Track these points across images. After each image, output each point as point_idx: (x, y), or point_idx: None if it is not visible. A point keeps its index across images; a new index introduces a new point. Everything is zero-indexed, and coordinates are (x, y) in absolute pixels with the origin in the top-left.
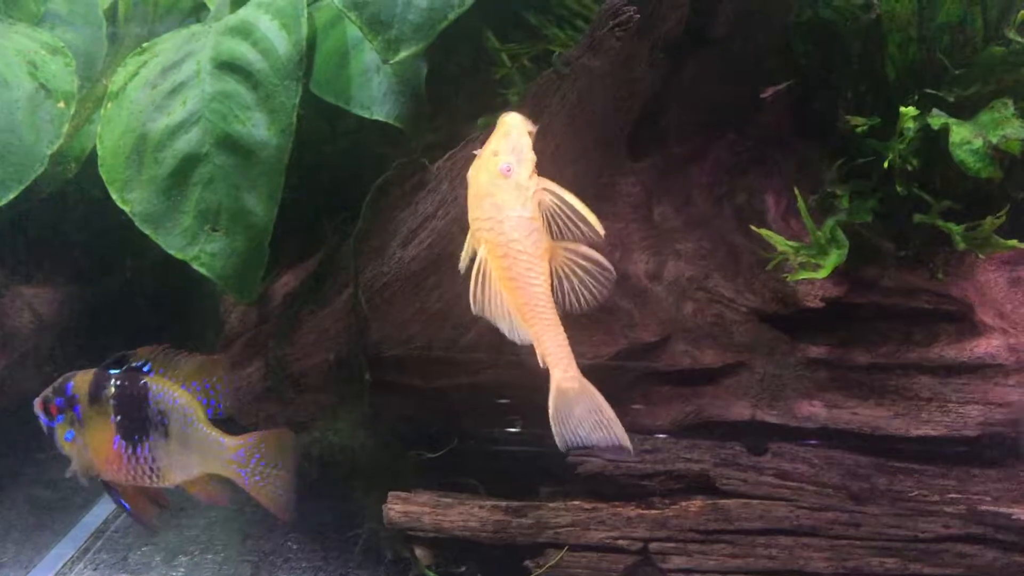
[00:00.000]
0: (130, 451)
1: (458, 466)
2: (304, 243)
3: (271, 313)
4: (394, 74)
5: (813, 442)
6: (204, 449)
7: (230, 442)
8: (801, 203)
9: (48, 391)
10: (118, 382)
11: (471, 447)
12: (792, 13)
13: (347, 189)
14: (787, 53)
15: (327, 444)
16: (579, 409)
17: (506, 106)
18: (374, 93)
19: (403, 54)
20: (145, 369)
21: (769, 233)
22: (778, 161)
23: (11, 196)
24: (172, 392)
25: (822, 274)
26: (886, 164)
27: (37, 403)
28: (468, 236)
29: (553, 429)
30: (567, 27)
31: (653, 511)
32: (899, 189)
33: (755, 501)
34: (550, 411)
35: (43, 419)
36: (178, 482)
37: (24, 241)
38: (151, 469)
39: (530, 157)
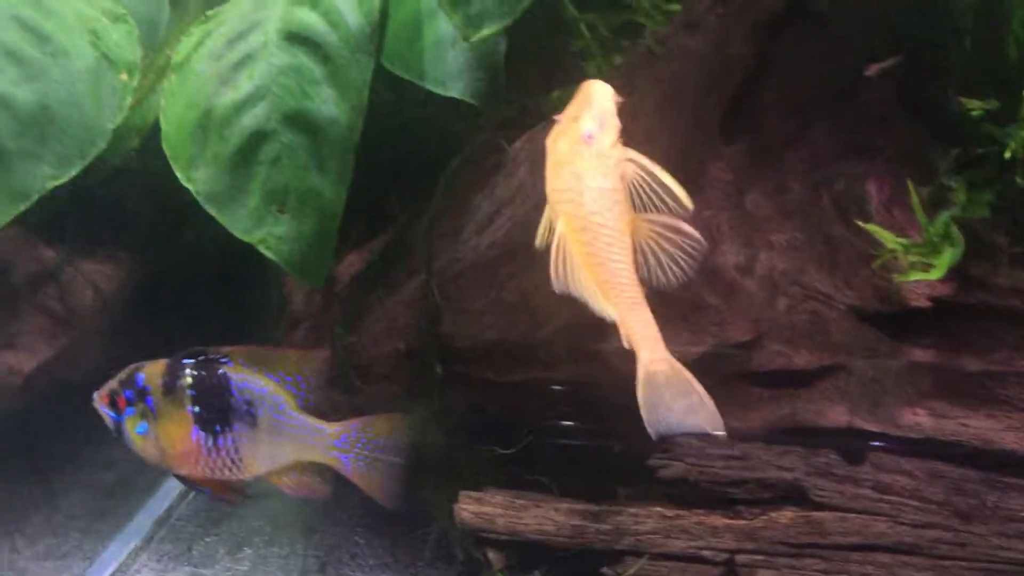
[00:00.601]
0: (210, 443)
1: (530, 463)
2: (370, 221)
3: (337, 297)
4: (471, 48)
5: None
6: (299, 437)
7: (331, 428)
8: (915, 197)
9: (113, 383)
10: (195, 371)
11: (544, 443)
12: None
13: (414, 164)
14: (892, 27)
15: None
16: (670, 393)
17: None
18: (449, 68)
19: (485, 31)
20: (223, 360)
21: (876, 228)
22: (881, 146)
23: (72, 173)
24: (258, 381)
25: (935, 275)
26: (1007, 154)
27: (100, 396)
28: (546, 208)
29: (643, 415)
30: None
31: (740, 521)
32: (1019, 181)
33: (851, 515)
34: (639, 396)
35: (109, 413)
36: (262, 472)
37: (84, 215)
38: (232, 461)
39: (614, 124)
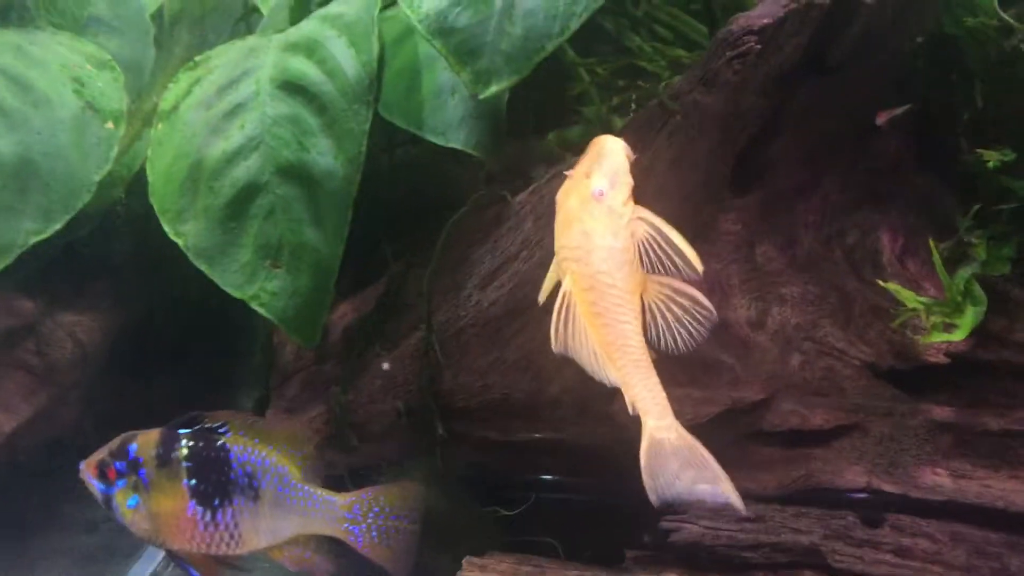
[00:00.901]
0: (207, 517)
1: (535, 524)
2: (362, 269)
3: (330, 350)
4: (471, 97)
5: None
6: (306, 510)
7: (342, 499)
8: (936, 256)
9: (103, 454)
10: (191, 442)
11: (549, 504)
12: (923, 33)
13: (407, 208)
14: (904, 76)
15: None
16: (676, 462)
17: (582, 125)
18: (449, 118)
19: (494, 88)
20: (221, 431)
21: (897, 288)
22: (893, 196)
23: (57, 227)
24: (260, 451)
25: (959, 336)
26: None
27: (88, 467)
28: (552, 265)
29: (645, 483)
30: (646, 34)
31: None
32: None
33: None
34: (642, 463)
35: (97, 485)
36: (262, 547)
37: (64, 265)
38: (231, 536)
39: (626, 181)
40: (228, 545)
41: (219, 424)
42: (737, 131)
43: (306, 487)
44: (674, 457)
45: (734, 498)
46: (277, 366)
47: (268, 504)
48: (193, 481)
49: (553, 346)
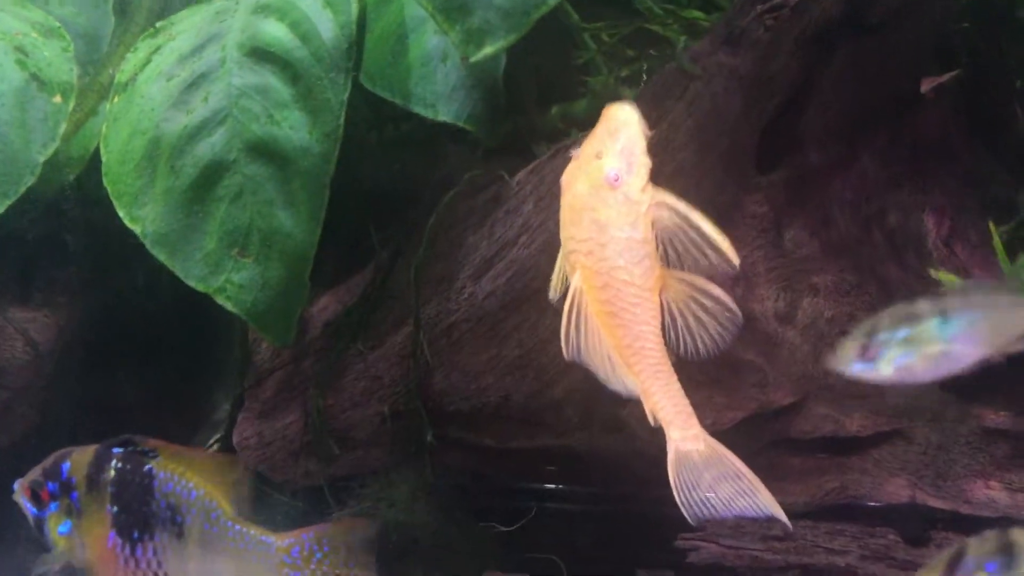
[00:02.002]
0: (127, 551)
1: (536, 540)
2: (344, 256)
3: (309, 347)
4: (464, 64)
5: None
6: (239, 552)
7: (280, 541)
8: (996, 238)
9: (37, 473)
10: (119, 464)
11: (552, 518)
12: None
13: (394, 189)
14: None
15: (379, 513)
16: (709, 475)
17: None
18: (439, 87)
19: (488, 49)
20: (150, 454)
21: (948, 276)
22: (939, 173)
23: None
24: (187, 483)
25: None
26: None
27: (21, 487)
28: (559, 257)
29: (678, 500)
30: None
31: None
32: None
33: None
34: (671, 479)
35: (29, 507)
36: None
37: (14, 257)
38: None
39: (644, 163)
40: None
41: (150, 448)
42: (765, 99)
43: (237, 526)
44: (705, 470)
45: (777, 511)
46: (252, 366)
47: (195, 543)
48: (115, 508)
49: (565, 353)
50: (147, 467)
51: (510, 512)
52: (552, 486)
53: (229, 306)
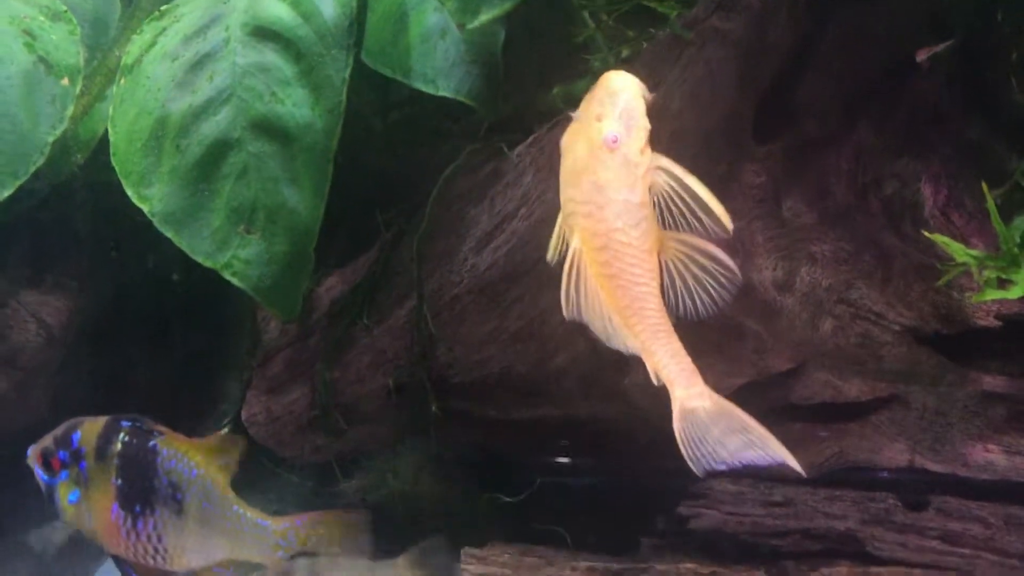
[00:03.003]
0: (129, 523)
1: (541, 511)
2: (352, 238)
3: (316, 324)
4: (464, 40)
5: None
6: (235, 532)
7: (275, 524)
8: (991, 202)
9: (48, 441)
10: (127, 438)
11: (556, 488)
12: None
13: (400, 172)
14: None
15: (385, 485)
16: (716, 430)
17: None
18: (439, 63)
19: (484, 16)
20: (155, 433)
21: (945, 239)
22: (936, 142)
23: (5, 195)
24: (188, 460)
25: (1015, 293)
26: None
27: (34, 454)
28: (558, 220)
29: (685, 456)
30: None
31: None
32: None
33: (916, 570)
34: (677, 436)
35: (41, 474)
36: (194, 567)
37: (27, 241)
38: (155, 548)
39: (643, 125)
40: (154, 559)
41: (158, 427)
42: (761, 68)
43: (235, 506)
44: (713, 425)
45: (789, 458)
46: (261, 345)
47: (193, 520)
48: (120, 481)
49: (564, 312)
50: (152, 443)
51: (514, 484)
52: (556, 458)
53: (236, 281)
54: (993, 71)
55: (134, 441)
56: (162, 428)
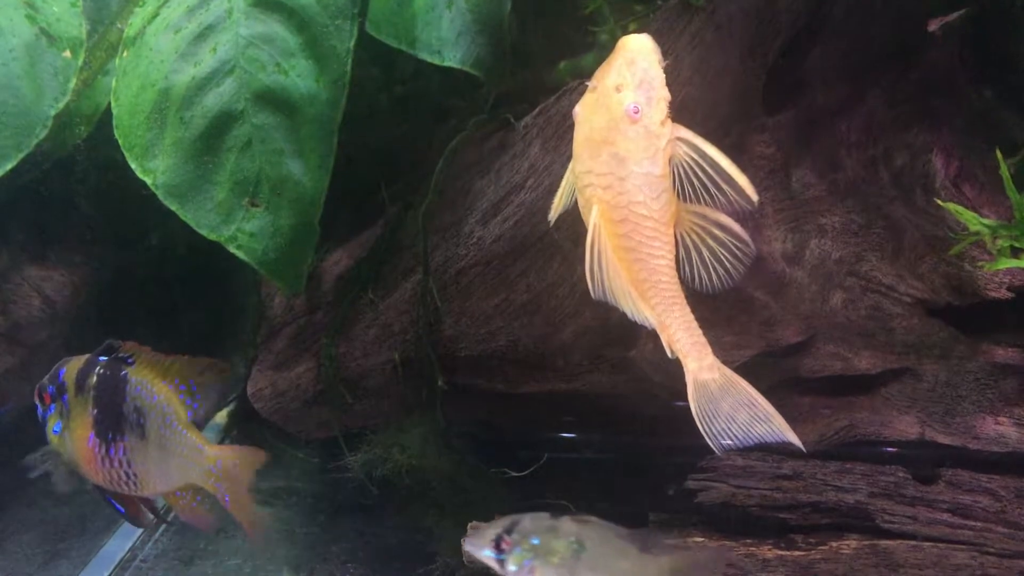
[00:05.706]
0: (103, 451)
1: (547, 485)
2: (357, 212)
3: (322, 299)
4: (470, 9)
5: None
6: (183, 455)
7: (211, 451)
8: (1004, 170)
9: (45, 378)
10: (101, 371)
11: (562, 462)
12: None
13: (406, 146)
14: None
15: (392, 459)
16: (727, 404)
17: (597, 51)
18: (444, 33)
19: None
20: (128, 360)
21: (959, 209)
22: (947, 113)
23: (8, 167)
24: (151, 387)
25: None
26: None
27: (36, 391)
28: (563, 180)
29: (701, 430)
30: None
31: (795, 552)
32: None
33: (926, 544)
34: (692, 409)
35: (39, 408)
36: (160, 492)
37: (31, 216)
38: (127, 475)
39: (663, 95)
40: (127, 485)
41: (128, 354)
42: (771, 37)
43: (184, 431)
44: (722, 399)
45: (791, 435)
46: (266, 319)
47: (153, 444)
48: (95, 411)
49: (592, 293)
50: (123, 372)
51: (521, 458)
52: (563, 432)
53: (240, 255)
54: (1006, 41)
55: (108, 372)
56: (134, 347)
